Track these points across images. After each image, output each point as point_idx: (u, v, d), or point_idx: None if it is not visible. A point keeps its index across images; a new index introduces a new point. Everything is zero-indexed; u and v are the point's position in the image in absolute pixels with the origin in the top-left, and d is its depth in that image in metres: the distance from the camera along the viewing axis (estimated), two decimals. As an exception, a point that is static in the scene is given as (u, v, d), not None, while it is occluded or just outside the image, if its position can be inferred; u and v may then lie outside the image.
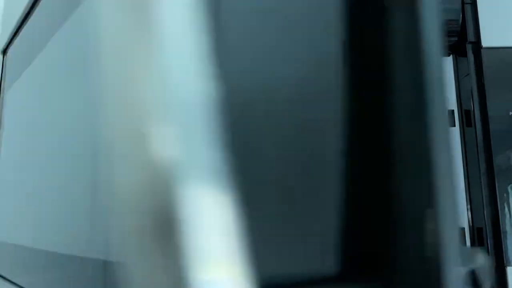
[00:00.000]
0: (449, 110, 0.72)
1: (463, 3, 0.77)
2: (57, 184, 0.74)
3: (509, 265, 0.72)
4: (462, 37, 0.76)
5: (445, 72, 0.42)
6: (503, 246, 0.72)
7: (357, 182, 0.44)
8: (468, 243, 0.70)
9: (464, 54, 0.77)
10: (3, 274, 0.79)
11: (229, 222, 0.24)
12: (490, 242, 0.69)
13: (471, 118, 0.74)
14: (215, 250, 0.24)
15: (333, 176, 0.45)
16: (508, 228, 0.72)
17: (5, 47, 0.91)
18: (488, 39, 0.77)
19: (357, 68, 0.46)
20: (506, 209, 0.73)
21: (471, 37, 0.76)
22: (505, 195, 0.73)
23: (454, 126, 0.73)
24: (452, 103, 0.75)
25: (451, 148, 0.40)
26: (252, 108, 0.42)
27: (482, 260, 0.42)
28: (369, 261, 0.43)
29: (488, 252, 0.71)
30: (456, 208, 0.40)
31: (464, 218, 0.70)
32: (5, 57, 0.91)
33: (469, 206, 0.73)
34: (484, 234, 0.71)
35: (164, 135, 0.24)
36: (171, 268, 0.23)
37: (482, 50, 0.77)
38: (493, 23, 0.78)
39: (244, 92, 0.41)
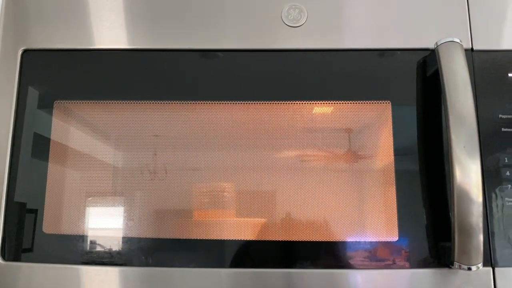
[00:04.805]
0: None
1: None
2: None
3: (497, 266, 0.73)
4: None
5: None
6: (491, 248, 0.73)
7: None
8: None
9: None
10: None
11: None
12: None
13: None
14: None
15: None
16: (496, 229, 0.73)
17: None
18: (479, 42, 0.79)
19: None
20: (495, 210, 0.74)
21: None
22: (494, 196, 0.74)
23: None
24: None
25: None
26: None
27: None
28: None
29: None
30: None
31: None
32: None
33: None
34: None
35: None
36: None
37: (473, 52, 0.78)
38: (485, 26, 0.79)
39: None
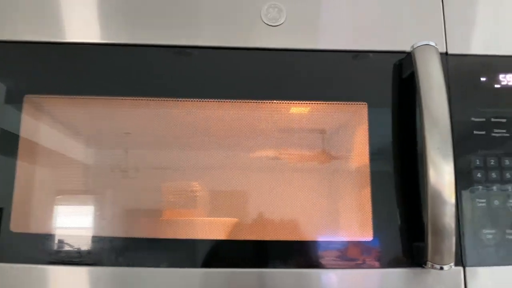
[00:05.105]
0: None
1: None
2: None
3: (467, 266, 0.74)
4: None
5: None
6: (462, 247, 0.74)
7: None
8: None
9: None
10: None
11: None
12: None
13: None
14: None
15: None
16: (467, 229, 0.75)
17: None
18: (454, 46, 0.81)
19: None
20: (466, 211, 0.75)
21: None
22: (465, 197, 0.76)
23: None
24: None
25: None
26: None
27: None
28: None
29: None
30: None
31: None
32: None
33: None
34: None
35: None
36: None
37: (447, 56, 0.80)
38: (459, 31, 0.81)
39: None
